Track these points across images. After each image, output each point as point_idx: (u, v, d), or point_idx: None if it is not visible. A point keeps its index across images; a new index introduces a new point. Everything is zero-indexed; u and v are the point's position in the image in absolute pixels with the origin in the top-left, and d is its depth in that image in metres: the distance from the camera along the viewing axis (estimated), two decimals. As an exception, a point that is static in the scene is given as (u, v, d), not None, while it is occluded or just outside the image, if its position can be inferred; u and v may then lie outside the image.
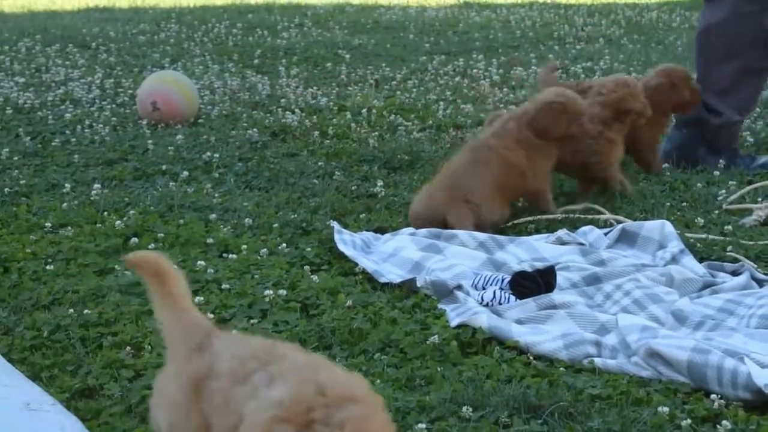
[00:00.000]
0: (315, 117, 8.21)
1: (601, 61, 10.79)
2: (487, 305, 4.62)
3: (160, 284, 3.08)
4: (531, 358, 4.12)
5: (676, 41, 12.42)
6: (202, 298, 4.59)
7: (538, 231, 5.62)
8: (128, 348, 4.16)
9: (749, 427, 3.56)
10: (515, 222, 5.72)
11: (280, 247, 5.30)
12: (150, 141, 7.28)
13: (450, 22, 13.82)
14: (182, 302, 3.10)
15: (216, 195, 6.19)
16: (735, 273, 5.01)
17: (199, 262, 5.03)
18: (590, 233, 5.43)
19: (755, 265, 5.04)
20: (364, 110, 8.41)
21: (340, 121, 8.09)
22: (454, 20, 14.06)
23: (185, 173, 6.61)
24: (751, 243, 5.34)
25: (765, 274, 5.00)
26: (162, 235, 5.42)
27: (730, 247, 5.29)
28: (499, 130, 5.88)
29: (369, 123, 8.08)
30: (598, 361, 4.12)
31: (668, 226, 5.34)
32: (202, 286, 4.79)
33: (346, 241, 5.27)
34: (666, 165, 6.73)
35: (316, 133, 7.65)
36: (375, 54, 11.38)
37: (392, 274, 4.95)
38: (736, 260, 5.14)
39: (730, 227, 5.58)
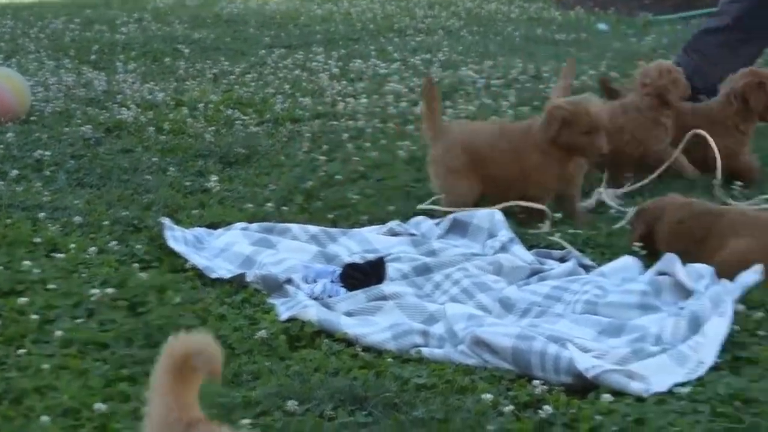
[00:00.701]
0: (151, 112, 8.10)
1: (439, 52, 10.88)
2: (317, 298, 4.62)
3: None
4: (359, 350, 4.13)
5: (515, 32, 12.57)
6: (26, 299, 4.50)
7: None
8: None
9: (570, 410, 3.62)
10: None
11: (109, 245, 5.22)
12: (-22, 140, 7.11)
13: (291, 15, 13.78)
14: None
15: (46, 193, 6.07)
16: (562, 260, 5.09)
17: (24, 262, 4.92)
18: (422, 224, 5.48)
19: (579, 253, 5.13)
20: (202, 105, 8.34)
21: (177, 117, 8.00)
22: (296, 13, 14.02)
23: (15, 172, 6.45)
24: (580, 231, 5.44)
25: (591, 260, 5.09)
26: (-14, 235, 5.29)
27: (558, 234, 5.38)
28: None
29: (206, 118, 8.01)
30: (425, 351, 4.15)
31: (498, 215, 5.41)
32: (26, 286, 4.68)
33: (177, 237, 5.21)
34: None
35: (152, 128, 7.56)
36: (214, 48, 11.28)
37: (223, 269, 4.92)
38: (564, 247, 5.23)
39: (559, 214, 5.68)
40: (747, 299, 4.50)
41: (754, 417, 3.56)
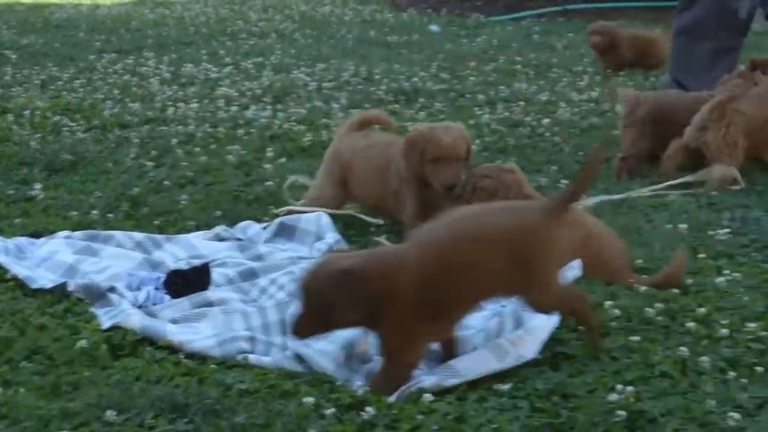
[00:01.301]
0: (-26, 120, 7.92)
1: (272, 56, 10.86)
2: (141, 306, 4.56)
3: None
4: (183, 357, 4.08)
5: (348, 35, 12.63)
6: None
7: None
8: None
9: (391, 411, 3.64)
10: None
11: (-74, 260, 5.07)
12: None
13: (123, 20, 13.61)
14: None
15: None
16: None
17: None
18: (249, 228, 5.45)
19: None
20: (28, 112, 8.18)
21: (2, 124, 7.84)
22: (127, 18, 13.86)
23: None
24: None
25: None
26: None
27: (384, 236, 5.42)
28: None
29: (32, 124, 7.87)
30: (252, 357, 4.12)
31: (324, 218, 5.42)
32: None
33: (-2, 247, 5.10)
34: None
35: (-26, 136, 7.38)
36: (43, 54, 11.08)
37: (45, 279, 4.82)
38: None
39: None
40: (567, 295, 4.58)
41: (572, 411, 3.62)
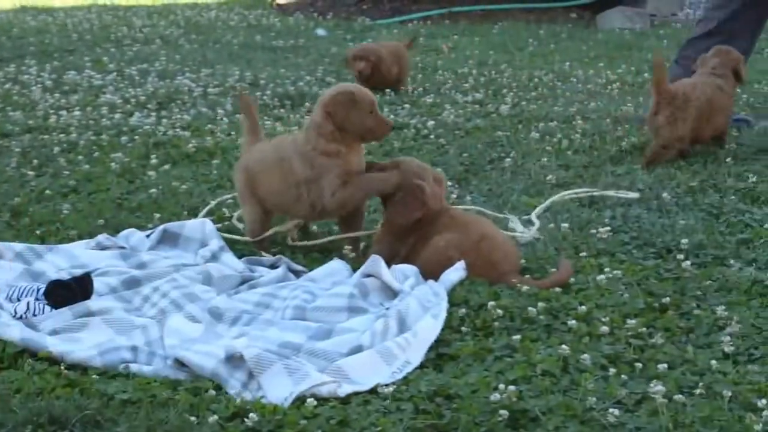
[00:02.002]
0: None
1: (156, 62, 10.76)
2: (21, 317, 4.48)
3: None
4: (64, 368, 4.02)
5: (233, 40, 12.58)
6: None
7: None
8: None
9: (275, 417, 3.63)
10: None
11: None
12: None
13: (3, 28, 13.40)
14: None
15: None
16: (273, 266, 5.11)
17: None
18: (132, 236, 5.39)
19: (289, 260, 5.16)
20: None
21: None
22: (9, 25, 13.65)
23: None
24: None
25: (304, 265, 5.13)
26: None
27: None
28: None
29: None
30: (134, 366, 4.08)
31: (209, 225, 5.39)
32: None
33: None
34: None
35: None
36: None
37: None
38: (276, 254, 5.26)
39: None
40: (451, 296, 4.61)
41: (455, 412, 3.65)
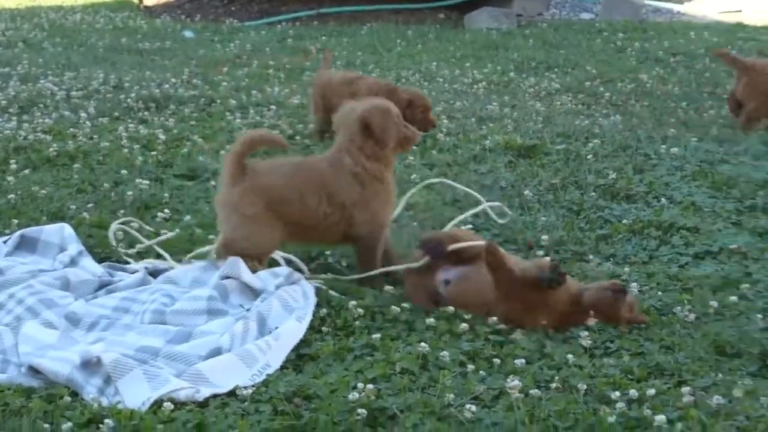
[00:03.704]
0: None
1: (18, 65, 10.54)
2: None
3: None
4: None
5: (98, 42, 12.40)
6: None
7: None
8: None
9: (132, 422, 3.58)
10: None
11: None
12: None
13: None
14: None
15: None
16: (135, 271, 5.04)
17: None
18: (-13, 245, 5.28)
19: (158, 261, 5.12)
20: None
21: None
22: None
23: None
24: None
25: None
26: None
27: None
28: None
29: None
30: (-13, 374, 4.00)
31: (67, 229, 5.30)
32: None
33: None
34: None
35: None
36: None
37: None
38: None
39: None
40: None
41: (313, 412, 3.64)
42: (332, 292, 4.71)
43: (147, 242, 5.37)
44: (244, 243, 4.88)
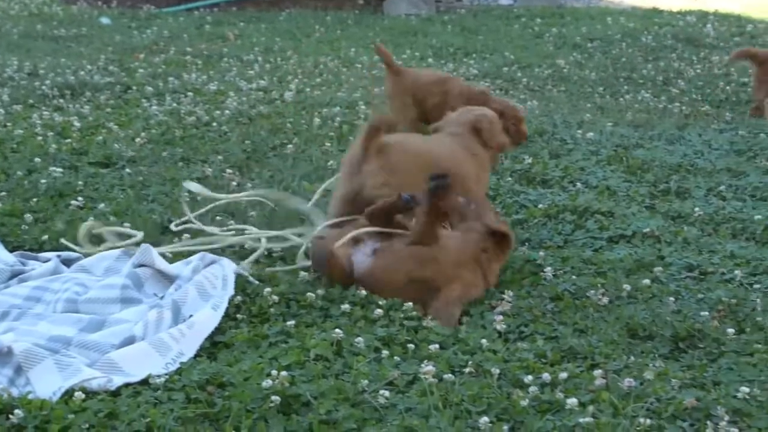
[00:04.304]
0: None
1: None
2: None
3: None
4: None
5: (13, 29, 12.26)
6: None
7: None
8: None
9: (42, 412, 3.53)
10: None
11: None
12: None
13: None
14: None
15: None
16: (48, 260, 4.98)
17: None
18: None
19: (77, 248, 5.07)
20: None
21: None
22: None
23: None
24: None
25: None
26: None
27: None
28: None
29: None
30: None
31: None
32: None
33: None
34: None
35: None
36: None
37: None
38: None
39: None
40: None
41: (227, 400, 3.61)
42: (251, 278, 4.69)
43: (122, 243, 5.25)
44: None
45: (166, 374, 3.83)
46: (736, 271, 4.93)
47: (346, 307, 4.37)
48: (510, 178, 6.32)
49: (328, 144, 7.07)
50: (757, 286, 4.80)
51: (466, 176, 5.22)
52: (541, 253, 5.16)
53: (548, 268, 4.92)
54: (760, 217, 5.70)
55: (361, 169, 5.10)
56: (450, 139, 5.42)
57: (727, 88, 9.49)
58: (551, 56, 10.93)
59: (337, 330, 4.11)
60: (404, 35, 12.27)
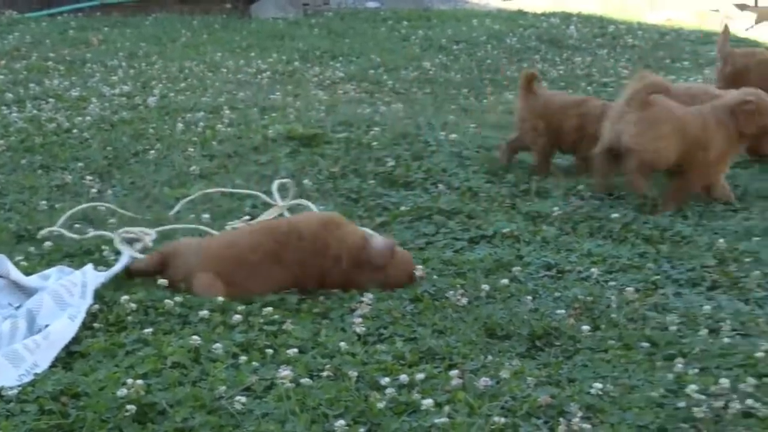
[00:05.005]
0: None
1: None
2: None
3: None
4: None
5: None
6: None
7: None
8: None
9: None
10: None
11: None
12: None
13: None
14: None
15: None
16: None
17: None
18: None
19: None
20: None
21: None
22: None
23: None
24: None
25: None
26: None
27: None
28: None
29: None
30: None
31: None
32: None
33: None
34: None
35: None
36: None
37: None
38: None
39: None
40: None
41: (81, 410, 3.57)
42: (104, 286, 4.64)
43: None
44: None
45: (19, 386, 3.76)
46: (593, 269, 5.02)
47: (204, 313, 4.34)
48: (373, 181, 6.34)
49: (191, 149, 7.02)
50: (612, 283, 4.89)
51: (707, 147, 6.04)
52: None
53: (410, 269, 4.95)
54: (617, 215, 5.81)
55: (622, 119, 5.99)
56: (709, 111, 6.13)
57: (589, 88, 9.66)
58: (417, 58, 11.00)
59: (194, 336, 4.08)
60: (271, 39, 12.23)
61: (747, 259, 5.23)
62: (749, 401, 3.74)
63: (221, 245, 4.80)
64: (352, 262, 4.73)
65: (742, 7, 14.38)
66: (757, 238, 5.52)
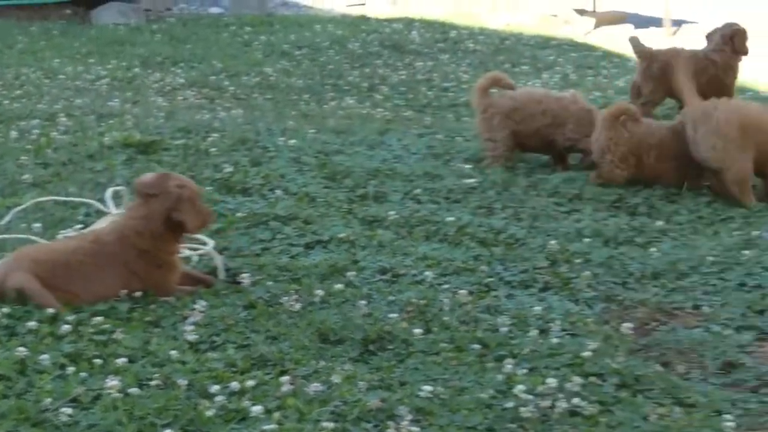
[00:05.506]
0: None
1: None
2: None
3: None
4: None
5: None
6: None
7: None
8: None
9: None
10: None
11: None
12: None
13: None
14: None
15: None
16: None
17: None
18: None
19: None
20: None
21: None
22: None
23: None
24: None
25: None
26: None
27: None
28: None
29: None
30: None
31: None
32: None
33: None
34: None
35: None
36: None
37: None
38: None
39: None
40: None
41: None
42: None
43: None
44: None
45: None
46: (427, 272, 5.07)
47: (32, 324, 4.26)
48: (210, 187, 6.28)
49: (24, 157, 6.88)
50: (446, 286, 4.94)
51: None
52: (239, 261, 5.16)
53: (245, 275, 4.93)
54: (452, 218, 5.87)
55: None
56: None
57: (429, 93, 9.74)
58: (260, 64, 10.97)
59: (21, 348, 4.01)
60: (111, 45, 12.06)
61: (578, 260, 5.34)
62: (575, 400, 3.82)
63: (36, 247, 4.82)
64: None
65: (581, 12, 14.67)
66: (588, 240, 5.64)
